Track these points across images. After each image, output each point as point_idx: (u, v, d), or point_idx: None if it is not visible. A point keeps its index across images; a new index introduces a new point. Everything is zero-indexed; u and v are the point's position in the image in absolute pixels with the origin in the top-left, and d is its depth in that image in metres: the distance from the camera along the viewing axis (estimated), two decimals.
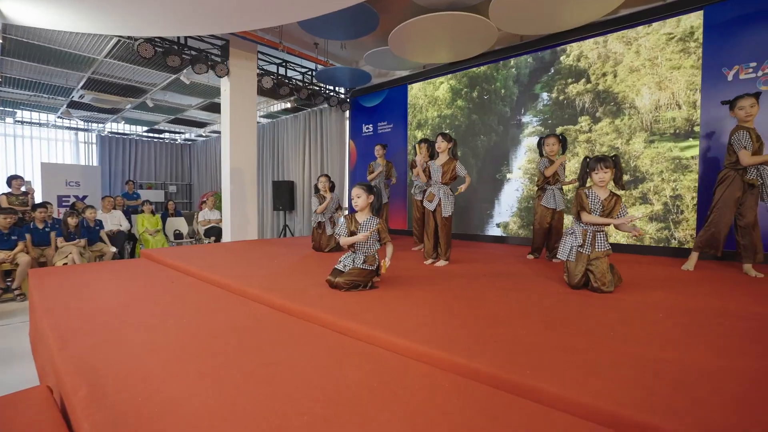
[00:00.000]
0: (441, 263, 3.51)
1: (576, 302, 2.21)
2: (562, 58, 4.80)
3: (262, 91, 6.10)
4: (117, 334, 1.80)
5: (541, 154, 3.89)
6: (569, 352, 1.50)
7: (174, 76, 6.13)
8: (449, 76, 5.92)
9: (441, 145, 3.56)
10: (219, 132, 10.74)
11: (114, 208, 6.76)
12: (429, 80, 6.18)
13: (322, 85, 6.95)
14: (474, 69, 5.62)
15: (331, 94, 7.04)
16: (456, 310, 2.06)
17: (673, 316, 1.95)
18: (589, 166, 2.57)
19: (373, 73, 6.50)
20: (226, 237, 5.57)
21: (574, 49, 4.71)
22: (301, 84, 6.51)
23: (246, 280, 2.75)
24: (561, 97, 4.81)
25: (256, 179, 5.77)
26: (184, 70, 5.75)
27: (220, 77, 5.24)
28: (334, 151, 7.61)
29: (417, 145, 4.33)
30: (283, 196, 8.22)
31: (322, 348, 1.65)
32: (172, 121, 9.68)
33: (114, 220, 6.57)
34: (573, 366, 1.37)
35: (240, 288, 2.59)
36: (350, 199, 2.70)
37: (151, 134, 11.35)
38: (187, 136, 11.80)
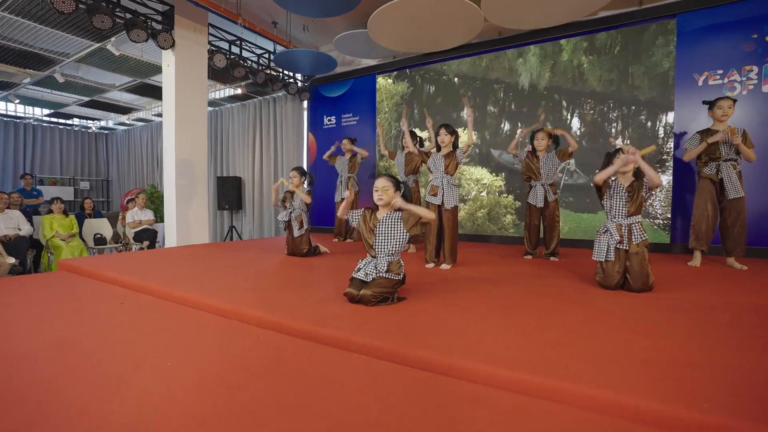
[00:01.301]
0: (445, 266, 3.20)
1: (630, 305, 2.03)
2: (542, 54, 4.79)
3: (212, 72, 5.25)
4: (81, 412, 1.16)
5: (533, 149, 3.77)
6: (698, 368, 1.26)
7: (97, 45, 5.01)
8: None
9: (445, 139, 3.25)
10: (146, 120, 9.32)
11: (8, 207, 5.35)
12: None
13: (279, 70, 6.25)
14: (447, 63, 5.42)
15: (289, 81, 6.37)
16: (522, 322, 1.73)
17: (739, 316, 1.84)
18: (612, 156, 2.46)
19: (336, 60, 5.99)
20: (170, 241, 4.67)
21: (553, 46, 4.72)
22: (257, 67, 5.76)
23: (233, 298, 2.15)
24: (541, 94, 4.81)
25: (207, 173, 4.94)
26: (113, 38, 4.70)
27: (164, 49, 4.35)
28: (291, 145, 6.93)
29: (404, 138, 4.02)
30: (229, 193, 7.31)
31: (402, 391, 1.21)
32: (87, 104, 8.12)
33: (10, 223, 5.18)
34: (732, 389, 1.11)
35: (231, 309, 1.99)
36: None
37: (56, 119, 9.45)
38: (103, 123, 10.06)
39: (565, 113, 4.64)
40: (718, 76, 3.91)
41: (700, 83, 3.98)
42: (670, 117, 4.13)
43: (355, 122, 6.31)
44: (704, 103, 3.30)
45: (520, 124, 4.92)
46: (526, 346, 1.48)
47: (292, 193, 3.79)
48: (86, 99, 7.71)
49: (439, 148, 3.45)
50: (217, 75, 5.82)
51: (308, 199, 3.67)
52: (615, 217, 2.40)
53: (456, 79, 5.39)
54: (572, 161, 4.51)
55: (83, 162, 10.28)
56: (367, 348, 1.51)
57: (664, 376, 1.22)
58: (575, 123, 4.59)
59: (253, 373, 1.34)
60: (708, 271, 3.03)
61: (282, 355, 1.50)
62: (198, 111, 4.73)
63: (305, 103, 6.92)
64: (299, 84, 6.47)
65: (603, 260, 2.42)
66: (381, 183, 2.16)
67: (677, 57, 4.06)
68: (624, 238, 2.35)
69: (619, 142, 4.25)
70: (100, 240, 6.32)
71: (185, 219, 4.63)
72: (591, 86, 4.47)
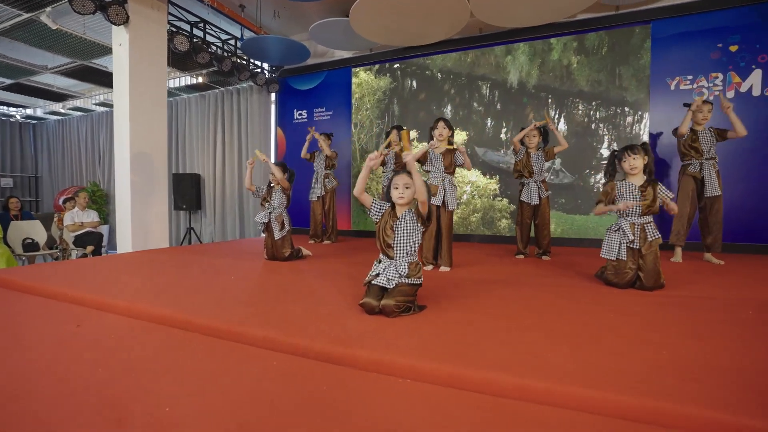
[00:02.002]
0: (444, 269, 3.03)
1: (653, 303, 1.97)
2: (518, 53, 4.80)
3: (173, 57, 4.69)
4: None
5: (523, 145, 3.73)
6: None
7: (27, 15, 4.25)
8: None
9: (443, 132, 3.07)
10: (85, 110, 8.29)
11: None
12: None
13: (246, 58, 5.77)
14: (431, 57, 5.28)
15: (257, 71, 5.91)
16: (565, 329, 1.59)
17: (764, 312, 1.84)
18: (616, 157, 2.44)
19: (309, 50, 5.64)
20: (123, 245, 4.08)
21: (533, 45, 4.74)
22: (222, 53, 5.25)
23: (225, 313, 1.81)
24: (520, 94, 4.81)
25: (167, 169, 4.39)
26: (49, 8, 4.02)
27: (115, 25, 3.79)
28: (257, 140, 6.45)
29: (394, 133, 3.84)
30: (187, 192, 6.68)
31: (489, 426, 0.99)
32: (10, 88, 7.03)
33: None
34: None
35: (227, 328, 1.66)
36: (386, 190, 1.99)
37: None
38: (30, 112, 8.81)
39: (552, 112, 4.68)
40: (688, 81, 4.12)
41: (673, 87, 4.17)
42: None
43: (328, 117, 5.99)
44: (685, 105, 3.42)
45: (504, 123, 4.90)
46: (589, 358, 1.32)
47: (270, 190, 3.44)
48: (9, 82, 6.66)
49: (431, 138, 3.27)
50: (176, 61, 5.23)
51: (286, 184, 3.36)
52: (628, 216, 2.36)
53: (440, 74, 5.27)
54: (558, 160, 4.56)
55: (4, 155, 8.94)
56: (416, 371, 1.28)
57: (751, 385, 1.12)
58: (562, 122, 4.64)
59: (284, 414, 1.06)
60: (699, 267, 3.12)
61: (309, 385, 1.22)
62: (156, 98, 4.18)
63: (273, 96, 6.48)
64: (267, 75, 6.01)
65: (614, 258, 2.37)
66: (403, 180, 1.93)
67: (652, 61, 4.23)
68: (637, 237, 2.32)
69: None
70: (30, 246, 5.46)
71: (142, 220, 4.07)
72: (579, 86, 4.54)
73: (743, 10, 3.94)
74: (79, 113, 8.59)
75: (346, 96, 5.84)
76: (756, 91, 3.90)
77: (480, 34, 4.99)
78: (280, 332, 1.57)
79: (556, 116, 4.66)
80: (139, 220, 4.04)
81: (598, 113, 4.49)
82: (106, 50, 5.32)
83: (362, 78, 5.72)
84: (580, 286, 2.47)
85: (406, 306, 1.80)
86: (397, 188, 1.93)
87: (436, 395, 1.18)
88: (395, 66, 5.51)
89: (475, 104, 5.06)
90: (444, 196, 3.03)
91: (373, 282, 1.87)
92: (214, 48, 5.09)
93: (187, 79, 6.72)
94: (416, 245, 1.95)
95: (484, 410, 1.09)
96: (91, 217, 5.78)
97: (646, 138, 4.26)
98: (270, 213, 3.38)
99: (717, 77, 4.02)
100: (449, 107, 5.22)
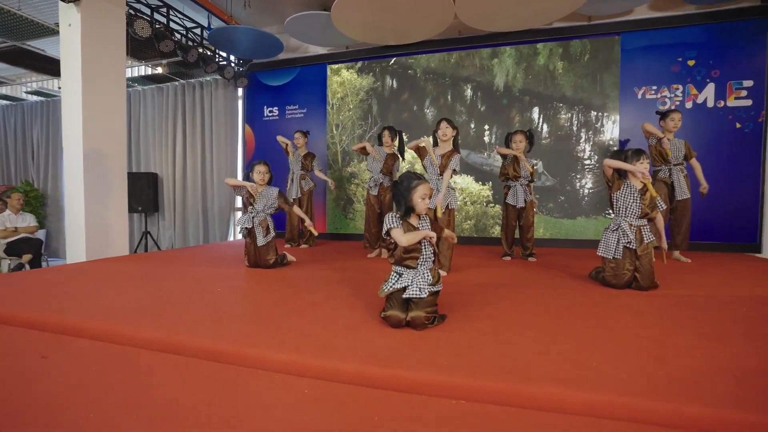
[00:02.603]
0: (443, 273, 2.96)
1: (659, 305, 2.03)
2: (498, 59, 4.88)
3: (131, 44, 4.22)
4: None
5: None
6: None
7: None
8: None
9: (447, 132, 3.00)
10: (15, 99, 7.32)
11: None
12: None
13: (213, 49, 5.37)
14: (414, 57, 5.21)
15: (224, 63, 5.52)
16: (600, 335, 1.56)
17: (758, 309, 1.96)
18: (627, 159, 2.50)
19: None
20: (74, 254, 3.59)
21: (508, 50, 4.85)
22: (187, 42, 4.83)
23: (231, 333, 1.60)
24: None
25: (126, 167, 3.95)
26: None
27: (64, 1, 3.32)
28: (222, 137, 6.04)
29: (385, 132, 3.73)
30: (143, 192, 6.10)
31: None
32: None
33: None
34: None
35: (239, 351, 1.45)
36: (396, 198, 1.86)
37: None
38: None
39: (535, 116, 4.80)
40: (653, 91, 4.41)
41: (639, 96, 4.44)
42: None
43: (301, 115, 5.73)
44: (657, 113, 3.64)
45: (488, 126, 4.95)
46: (636, 365, 1.30)
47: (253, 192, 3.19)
48: None
49: (435, 143, 3.19)
50: (132, 48, 4.73)
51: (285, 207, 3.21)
52: (628, 217, 2.43)
53: (422, 74, 5.21)
54: (540, 163, 4.69)
55: None
56: (468, 391, 1.18)
57: None
58: (545, 126, 4.77)
59: None
60: (672, 265, 3.30)
61: (356, 415, 1.08)
62: (114, 89, 3.74)
63: (240, 91, 6.09)
64: (235, 68, 5.64)
65: (611, 257, 2.44)
66: (428, 190, 1.83)
67: (621, 71, 4.48)
68: (634, 237, 2.40)
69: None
70: None
71: (98, 225, 3.61)
72: (562, 91, 4.69)
73: (699, 28, 4.28)
74: (6, 102, 7.56)
75: (320, 94, 5.63)
76: (710, 103, 4.26)
77: (459, 36, 5.01)
78: (301, 353, 1.40)
79: (540, 119, 4.78)
80: (95, 224, 3.58)
81: (579, 118, 4.67)
82: (46, 31, 4.69)
83: (344, 77, 5.54)
84: (581, 288, 2.51)
85: (433, 317, 1.70)
86: (423, 199, 1.83)
87: (497, 416, 1.09)
88: (373, 65, 5.39)
89: (458, 106, 5.07)
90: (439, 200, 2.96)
91: (404, 295, 1.74)
92: (178, 36, 4.67)
93: (142, 69, 6.13)
94: (434, 252, 1.86)
95: (557, 429, 1.02)
96: (27, 221, 5.08)
97: (616, 143, 4.50)
98: (253, 217, 3.13)
99: (678, 89, 4.34)
100: (432, 108, 5.19)
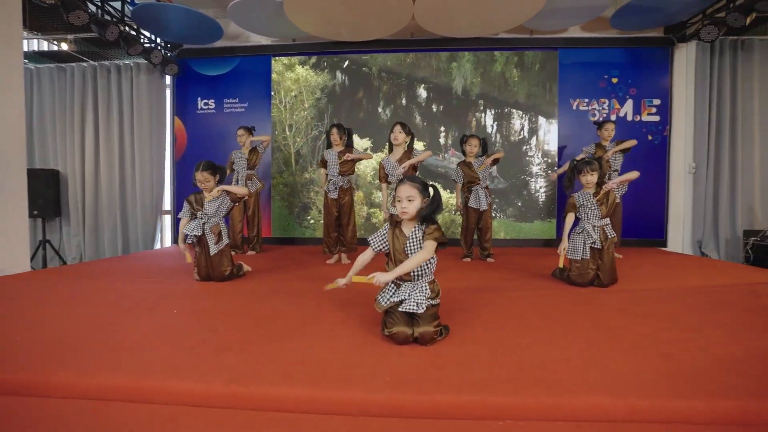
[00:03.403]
0: None
1: (631, 300, 2.20)
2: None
3: (32, 11, 3.42)
4: None
5: (463, 153, 3.86)
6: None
7: None
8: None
9: (399, 137, 2.93)
10: None
11: None
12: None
13: (136, 28, 4.65)
14: (358, 55, 5.09)
15: (151, 46, 4.82)
16: (598, 337, 1.61)
17: (703, 298, 2.22)
18: (576, 168, 2.69)
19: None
20: None
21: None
22: (103, 16, 4.10)
23: (213, 369, 1.33)
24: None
25: (26, 163, 3.21)
26: None
27: None
28: (146, 130, 5.28)
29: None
30: (41, 194, 5.07)
31: None
32: None
33: None
34: None
35: (233, 392, 1.20)
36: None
37: None
38: None
39: (489, 120, 4.97)
40: (585, 104, 4.87)
41: (574, 107, 4.88)
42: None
43: (242, 110, 5.26)
44: (594, 123, 4.01)
45: (444, 128, 5.02)
46: (650, 364, 1.36)
47: (200, 196, 2.80)
48: None
49: (391, 149, 3.12)
50: (34, 18, 3.85)
51: (243, 191, 2.82)
52: (590, 220, 2.61)
53: (377, 73, 5.10)
54: (494, 167, 4.89)
55: None
56: (511, 409, 1.11)
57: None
58: (500, 130, 4.98)
59: None
60: (624, 262, 3.62)
61: None
62: (7, 64, 3.01)
63: (168, 79, 5.39)
64: (164, 52, 4.96)
65: (579, 258, 2.60)
66: (405, 192, 1.69)
67: (559, 83, 4.87)
68: (598, 237, 2.59)
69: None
70: None
71: None
72: (516, 98, 4.93)
73: (621, 51, 4.84)
74: None
75: (264, 87, 5.22)
76: (629, 117, 4.84)
77: (411, 38, 5.02)
78: (318, 386, 1.21)
79: (494, 125, 4.98)
80: None
81: (530, 124, 4.98)
82: None
83: (299, 74, 5.20)
84: (554, 287, 2.63)
85: (439, 331, 1.61)
86: (399, 201, 1.71)
87: None
88: (324, 60, 5.15)
89: (414, 107, 5.07)
90: None
91: (401, 309, 1.62)
92: (92, 8, 3.94)
93: (38, 44, 5.08)
94: (434, 263, 1.75)
95: None
96: None
97: (554, 149, 4.89)
98: (204, 223, 2.74)
99: (605, 102, 4.85)
100: (388, 109, 5.12)
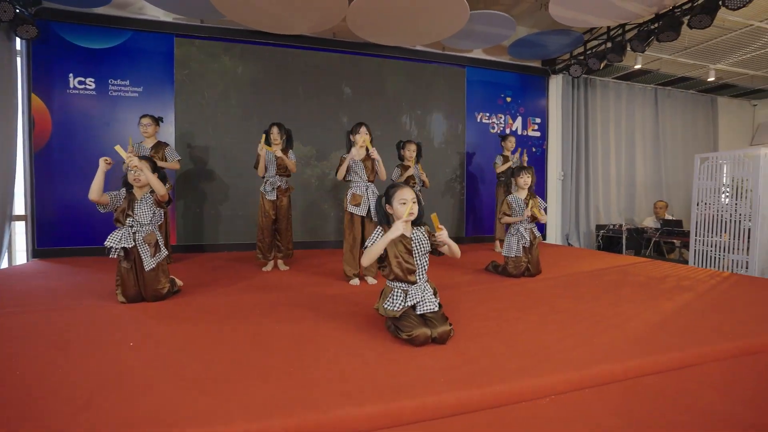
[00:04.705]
0: (372, 281, 2.96)
1: (570, 284, 2.68)
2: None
3: None
4: None
5: (400, 158, 4.06)
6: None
7: None
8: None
9: (361, 138, 2.95)
10: None
11: None
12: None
13: None
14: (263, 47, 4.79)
15: None
16: (578, 318, 1.95)
17: (596, 280, 2.86)
18: (514, 173, 3.17)
19: None
20: None
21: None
22: None
23: (237, 408, 1.18)
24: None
25: None
26: None
27: None
28: None
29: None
30: None
31: None
32: None
33: None
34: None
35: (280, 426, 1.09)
36: (377, 205, 1.77)
37: None
38: None
39: (411, 124, 5.26)
40: (486, 117, 5.60)
41: (478, 120, 5.56)
42: None
43: (136, 95, 4.43)
44: (499, 136, 4.67)
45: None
46: (619, 335, 1.73)
47: (131, 198, 2.32)
48: None
49: (348, 149, 3.09)
50: None
51: (162, 190, 2.31)
52: (522, 223, 3.07)
53: (306, 70, 4.89)
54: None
55: None
56: (563, 382, 1.31)
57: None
58: (420, 134, 5.28)
59: None
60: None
61: None
62: None
63: (20, 44, 4.17)
64: (16, 9, 3.80)
65: (513, 256, 3.05)
66: (411, 194, 1.80)
67: (467, 98, 5.48)
68: (528, 237, 3.07)
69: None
70: None
71: None
72: (439, 104, 5.33)
73: (513, 74, 5.71)
74: None
75: (165, 72, 4.49)
76: (520, 131, 5.76)
77: (333, 38, 4.98)
78: (379, 400, 1.20)
79: (415, 131, 5.27)
80: None
81: (450, 131, 5.44)
82: None
83: (227, 65, 4.58)
84: (496, 280, 3.00)
85: (451, 328, 1.73)
86: (404, 203, 1.79)
87: (588, 398, 1.26)
88: (247, 50, 4.71)
89: (340, 107, 5.03)
90: (369, 206, 2.94)
91: (418, 311, 1.68)
92: None
93: None
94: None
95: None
96: None
97: (463, 155, 5.49)
98: (135, 232, 2.27)
99: (501, 117, 5.66)
100: (315, 106, 4.96)
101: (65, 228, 4.24)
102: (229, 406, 1.15)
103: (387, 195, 1.86)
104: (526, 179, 3.12)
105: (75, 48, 4.25)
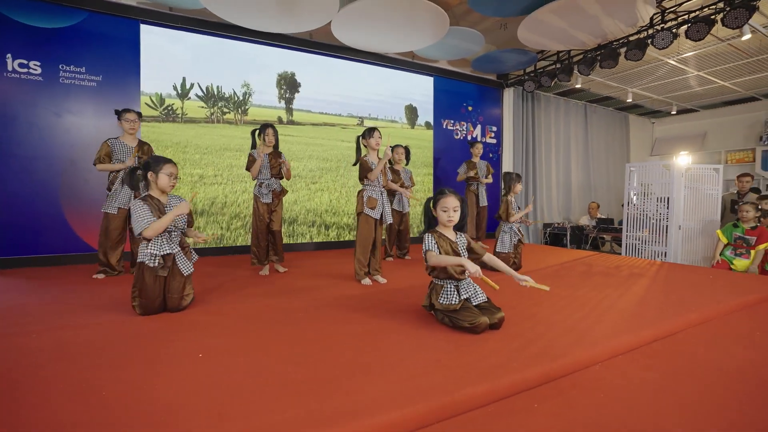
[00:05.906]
0: (382, 280, 3.10)
1: (552, 277, 3.08)
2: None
3: None
4: None
5: (390, 161, 4.24)
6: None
7: None
8: None
9: (380, 141, 3.09)
10: None
11: None
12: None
13: None
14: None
15: None
16: (581, 304, 2.31)
17: (571, 270, 3.35)
18: (512, 180, 3.53)
19: None
20: None
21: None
22: None
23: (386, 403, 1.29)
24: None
25: None
26: None
27: None
28: None
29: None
30: None
31: None
32: None
33: None
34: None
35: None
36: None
37: None
38: None
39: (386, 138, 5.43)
40: (451, 124, 6.01)
41: (445, 126, 5.94)
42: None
43: (93, 84, 3.97)
44: (468, 143, 5.08)
45: (342, 137, 5.13)
46: (615, 317, 2.12)
47: (155, 200, 2.18)
48: None
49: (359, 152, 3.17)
50: None
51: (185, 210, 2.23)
52: (514, 223, 3.45)
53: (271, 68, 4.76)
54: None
55: None
56: (592, 355, 1.62)
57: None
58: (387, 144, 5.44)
59: None
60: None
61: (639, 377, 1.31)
62: None
63: None
64: None
65: (505, 251, 3.41)
66: (453, 203, 2.02)
67: (434, 106, 5.82)
68: (521, 235, 3.47)
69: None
70: None
71: None
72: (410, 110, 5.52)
73: (473, 85, 6.21)
74: None
75: (130, 60, 4.09)
76: (480, 138, 6.27)
77: (310, 39, 4.96)
78: (484, 380, 1.39)
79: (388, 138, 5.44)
80: None
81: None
82: None
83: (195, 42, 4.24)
84: (493, 274, 3.31)
85: None
86: (445, 211, 2.02)
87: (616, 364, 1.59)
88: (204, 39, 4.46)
89: (311, 107, 5.01)
90: (383, 210, 3.07)
91: (475, 303, 1.91)
92: None
93: None
94: None
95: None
96: None
97: (431, 160, 5.83)
98: (172, 235, 2.14)
99: (464, 125, 6.12)
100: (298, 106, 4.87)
101: (54, 230, 3.73)
102: (352, 403, 1.24)
103: (434, 200, 2.06)
104: (520, 186, 3.52)
105: (14, 24, 3.68)
